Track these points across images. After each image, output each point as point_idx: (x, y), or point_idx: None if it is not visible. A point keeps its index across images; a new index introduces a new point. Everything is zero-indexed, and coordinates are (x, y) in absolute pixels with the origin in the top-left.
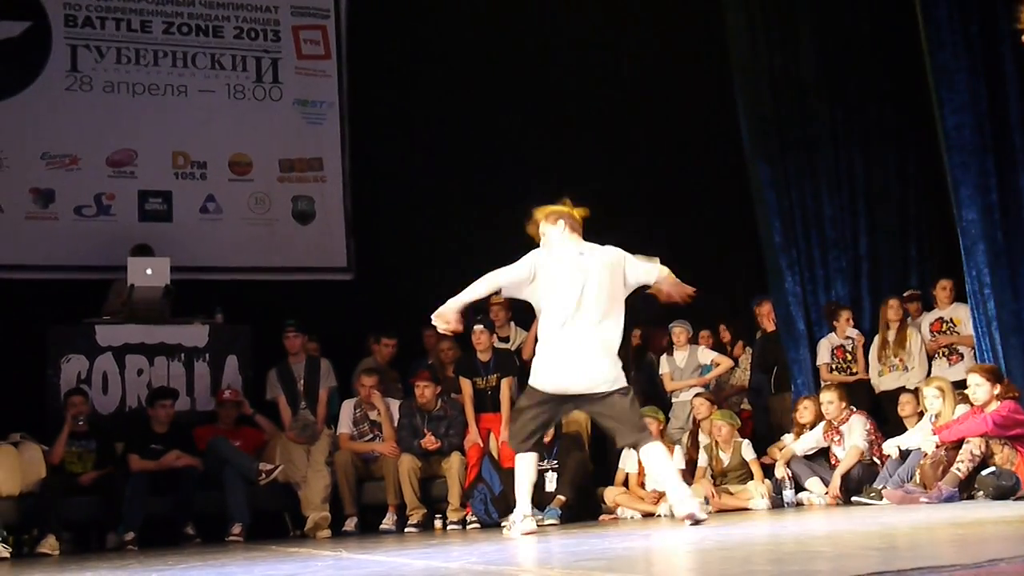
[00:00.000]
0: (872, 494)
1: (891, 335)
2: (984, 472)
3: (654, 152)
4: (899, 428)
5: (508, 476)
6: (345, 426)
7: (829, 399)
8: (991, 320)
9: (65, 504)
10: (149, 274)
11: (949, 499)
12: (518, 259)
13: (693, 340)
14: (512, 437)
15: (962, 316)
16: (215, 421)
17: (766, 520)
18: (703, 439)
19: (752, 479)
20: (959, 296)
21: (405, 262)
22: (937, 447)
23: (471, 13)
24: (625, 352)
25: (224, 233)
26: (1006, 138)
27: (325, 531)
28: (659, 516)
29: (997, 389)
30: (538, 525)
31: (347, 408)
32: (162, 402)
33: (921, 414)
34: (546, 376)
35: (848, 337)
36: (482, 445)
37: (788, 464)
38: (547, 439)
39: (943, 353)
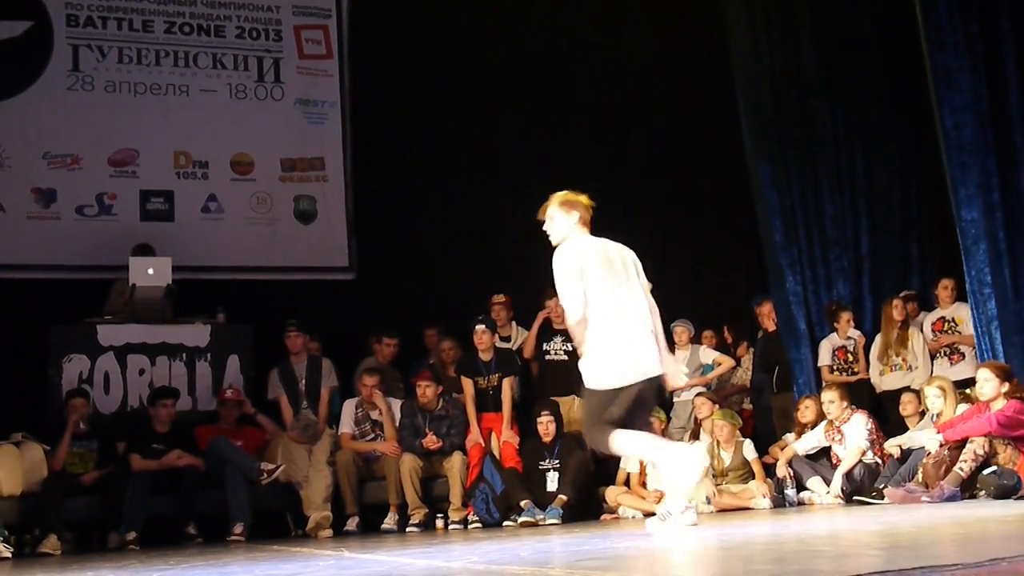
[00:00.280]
0: (874, 493)
1: (893, 335)
2: (986, 471)
3: (655, 152)
4: (900, 427)
5: (509, 476)
6: (347, 426)
7: (830, 398)
8: (991, 319)
9: (67, 504)
10: (151, 274)
11: (951, 498)
12: (520, 258)
13: (696, 340)
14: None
15: (964, 316)
16: (217, 421)
17: (768, 519)
18: (704, 438)
19: (754, 479)
20: (960, 295)
21: (407, 262)
22: (941, 446)
23: (472, 13)
24: None
25: (226, 233)
26: (1007, 137)
27: (327, 531)
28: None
29: (1005, 387)
30: (539, 524)
31: (348, 408)
32: (163, 401)
33: (923, 413)
34: (629, 366)
35: (849, 338)
36: (483, 445)
37: (790, 463)
38: (549, 439)
39: (944, 352)
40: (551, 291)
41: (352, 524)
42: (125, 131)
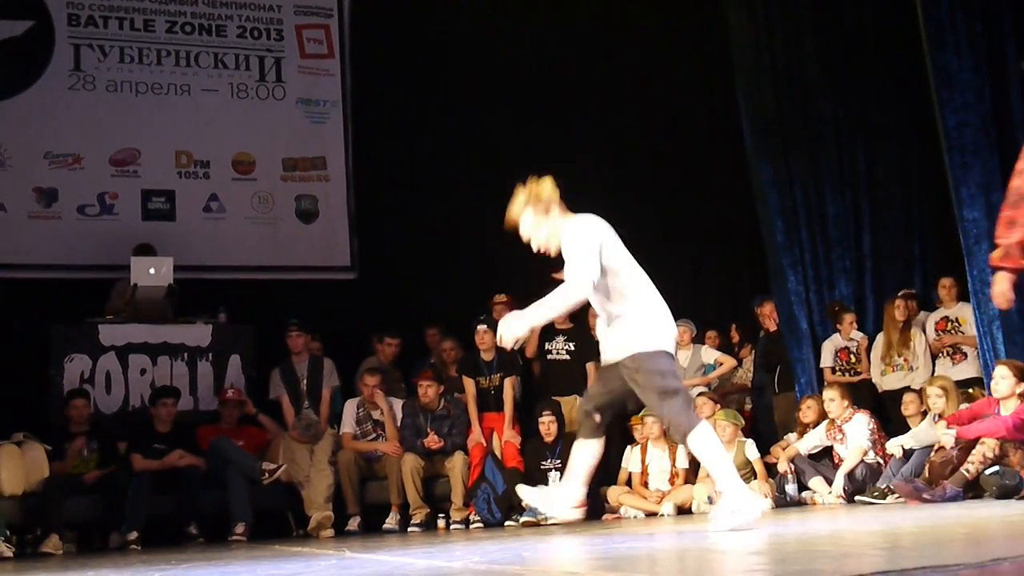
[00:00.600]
0: (876, 493)
1: (895, 335)
2: (988, 471)
3: (657, 151)
4: (902, 427)
5: (511, 475)
6: (348, 425)
7: (831, 397)
8: (993, 319)
9: (68, 504)
10: (152, 274)
11: (953, 498)
12: (522, 258)
13: (699, 340)
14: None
15: (967, 315)
16: (218, 421)
17: (769, 519)
18: None
19: (756, 479)
20: (962, 295)
21: (408, 261)
22: (955, 444)
23: (474, 13)
24: None
25: (227, 232)
26: (1009, 137)
27: (328, 530)
28: (662, 515)
29: (1021, 388)
30: (541, 524)
31: (350, 407)
32: (164, 401)
33: (924, 413)
34: (670, 334)
35: (852, 339)
36: (485, 444)
37: (792, 461)
38: (550, 439)
39: (947, 352)
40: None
41: (353, 524)
42: (126, 131)
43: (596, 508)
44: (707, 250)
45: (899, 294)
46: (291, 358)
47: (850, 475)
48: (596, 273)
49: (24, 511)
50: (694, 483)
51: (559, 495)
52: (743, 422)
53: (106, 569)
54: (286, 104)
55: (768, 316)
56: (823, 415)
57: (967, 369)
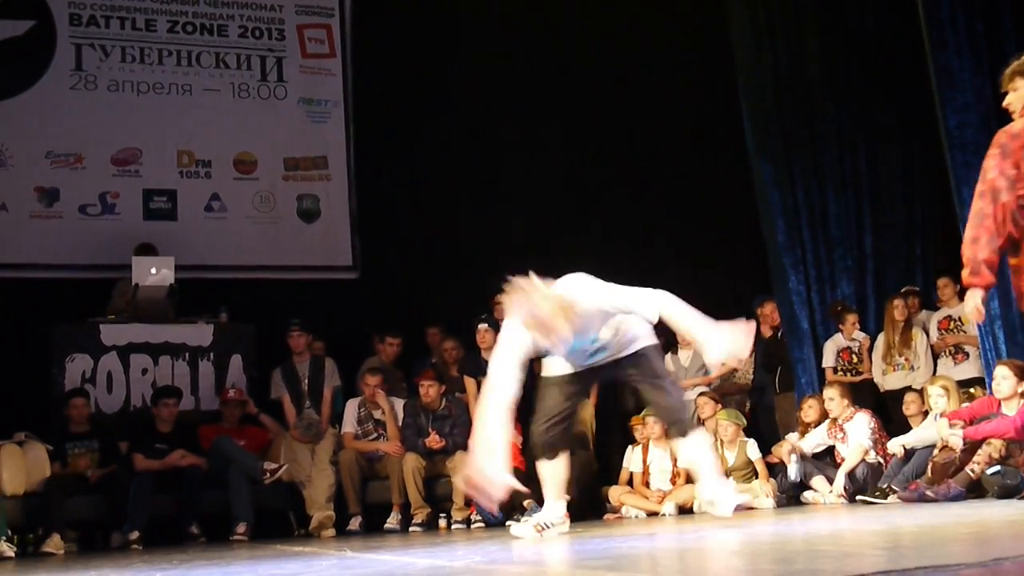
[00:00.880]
0: (877, 493)
1: (896, 335)
2: (990, 471)
3: (658, 151)
4: (904, 427)
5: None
6: (349, 425)
7: (830, 396)
8: (995, 319)
9: (70, 503)
10: (154, 273)
11: (956, 497)
12: (523, 258)
13: None
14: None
15: None
16: (219, 420)
17: (771, 519)
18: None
19: (757, 478)
20: (964, 294)
21: (410, 261)
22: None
23: (476, 12)
24: None
25: (229, 232)
26: None
27: (329, 530)
28: (664, 515)
29: (1022, 387)
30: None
31: (351, 407)
32: (165, 401)
33: (926, 413)
34: None
35: (854, 339)
36: None
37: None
38: None
39: (949, 352)
40: None
41: (355, 524)
42: (128, 130)
43: (598, 508)
44: (708, 250)
45: (901, 291)
46: (292, 358)
47: (851, 475)
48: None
49: (25, 511)
50: (695, 483)
51: (550, 520)
52: (745, 422)
53: (108, 569)
54: (287, 104)
55: (769, 316)
56: (824, 415)
57: (969, 369)
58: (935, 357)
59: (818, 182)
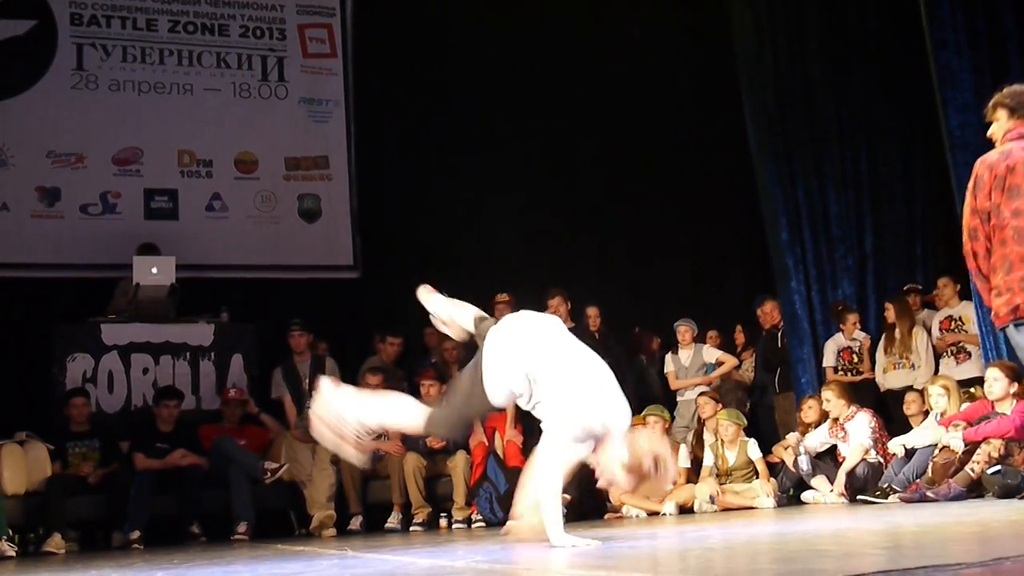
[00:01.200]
0: (878, 492)
1: (895, 334)
2: (990, 471)
3: (660, 151)
4: (904, 427)
5: (513, 475)
6: None
7: (828, 396)
8: None
9: (70, 503)
10: (155, 273)
11: (956, 497)
12: (524, 258)
13: (700, 339)
14: None
15: (971, 315)
16: (220, 420)
17: (772, 519)
18: (708, 438)
19: (757, 478)
20: (965, 294)
21: (411, 260)
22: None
23: (476, 12)
24: (618, 353)
25: (230, 231)
26: None
27: (330, 530)
28: (664, 515)
29: (1014, 388)
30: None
31: None
32: (166, 402)
33: (927, 413)
34: None
35: (855, 339)
36: (487, 444)
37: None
38: None
39: (950, 352)
40: (554, 291)
41: (356, 523)
42: (129, 130)
43: (598, 508)
44: (709, 249)
45: (904, 289)
46: (293, 357)
47: (852, 474)
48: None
49: (26, 510)
50: (696, 482)
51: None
52: (745, 421)
53: (108, 568)
54: (288, 103)
55: (769, 315)
56: (824, 415)
57: (970, 368)
58: (937, 357)
59: (819, 182)
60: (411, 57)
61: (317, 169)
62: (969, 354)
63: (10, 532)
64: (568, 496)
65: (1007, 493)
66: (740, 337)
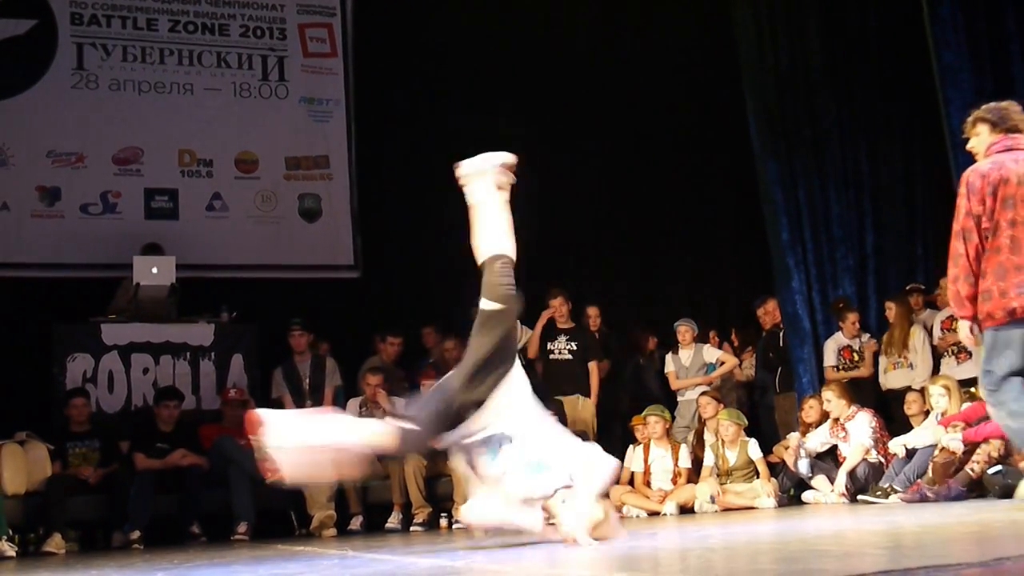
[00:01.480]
0: (878, 492)
1: (894, 333)
2: (991, 471)
3: (661, 150)
4: (905, 427)
5: None
6: None
7: (828, 397)
8: None
9: (71, 503)
10: (155, 273)
11: (957, 497)
12: (524, 257)
13: (701, 339)
14: None
15: None
16: (221, 420)
17: (772, 519)
18: (709, 438)
19: (758, 478)
20: None
21: (411, 260)
22: (964, 450)
23: (477, 11)
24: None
25: (230, 231)
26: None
27: (331, 530)
28: (665, 515)
29: None
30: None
31: (352, 407)
32: (167, 403)
33: (927, 412)
34: None
35: (855, 337)
36: None
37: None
38: None
39: (952, 351)
40: (555, 291)
41: (356, 523)
42: (129, 129)
43: None
44: (710, 249)
45: (907, 288)
46: (293, 357)
47: (852, 474)
48: None
49: (26, 510)
50: (696, 482)
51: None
52: (746, 421)
53: (109, 568)
54: (289, 103)
55: (770, 315)
56: (825, 415)
57: (971, 368)
58: (939, 356)
59: (820, 181)
60: (411, 56)
61: (317, 169)
62: (970, 354)
63: (10, 532)
64: None
65: (1007, 493)
66: (735, 341)
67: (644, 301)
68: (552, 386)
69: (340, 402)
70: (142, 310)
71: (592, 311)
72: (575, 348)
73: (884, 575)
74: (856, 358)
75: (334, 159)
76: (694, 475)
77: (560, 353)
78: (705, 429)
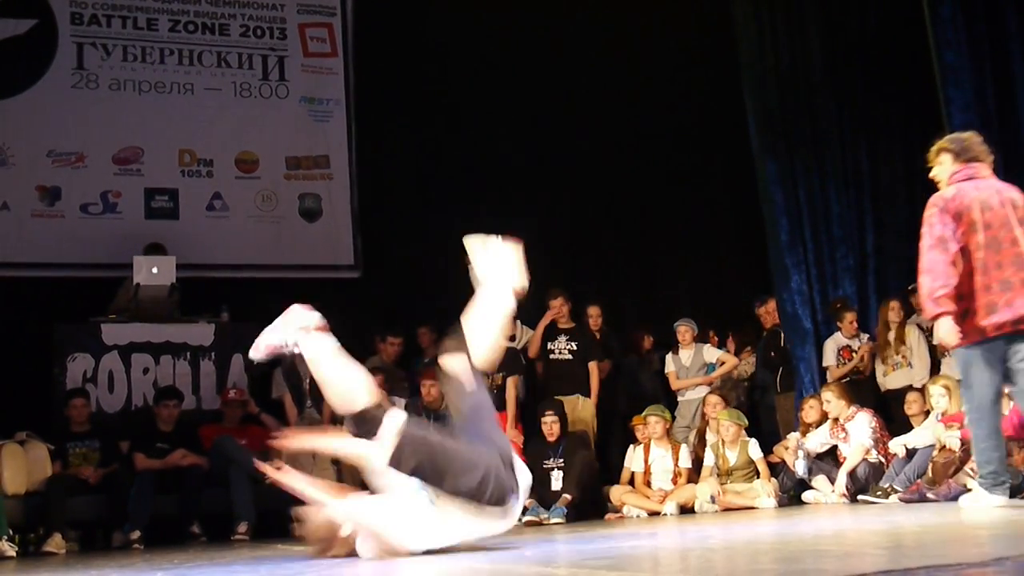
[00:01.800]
0: (879, 492)
1: (891, 335)
2: None
3: (661, 150)
4: (906, 427)
5: None
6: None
7: (827, 397)
8: None
9: (71, 503)
10: (155, 272)
11: (957, 497)
12: (525, 257)
13: (701, 339)
14: None
15: None
16: (221, 420)
17: (773, 519)
18: (710, 438)
19: (758, 478)
20: None
21: (412, 260)
22: (962, 448)
23: (477, 11)
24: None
25: (230, 231)
26: (1014, 136)
27: None
28: (665, 515)
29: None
30: (543, 524)
31: None
32: (167, 403)
33: (927, 412)
34: None
35: (854, 337)
36: None
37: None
38: (553, 438)
39: (952, 352)
40: (556, 291)
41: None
42: (130, 129)
43: (599, 507)
44: (710, 249)
45: (908, 288)
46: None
47: (852, 474)
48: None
49: (27, 510)
50: (696, 482)
51: None
52: (746, 422)
53: (109, 568)
54: (289, 103)
55: (771, 315)
56: (825, 415)
57: None
58: (939, 356)
59: (820, 181)
60: (412, 56)
61: (318, 168)
62: None
63: (10, 532)
64: (568, 496)
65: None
66: (732, 345)
67: (644, 301)
68: (552, 386)
69: None
70: (142, 310)
71: (593, 311)
72: (575, 348)
73: (884, 575)
74: (855, 358)
75: (334, 159)
76: (694, 475)
77: (560, 353)
78: (708, 429)
